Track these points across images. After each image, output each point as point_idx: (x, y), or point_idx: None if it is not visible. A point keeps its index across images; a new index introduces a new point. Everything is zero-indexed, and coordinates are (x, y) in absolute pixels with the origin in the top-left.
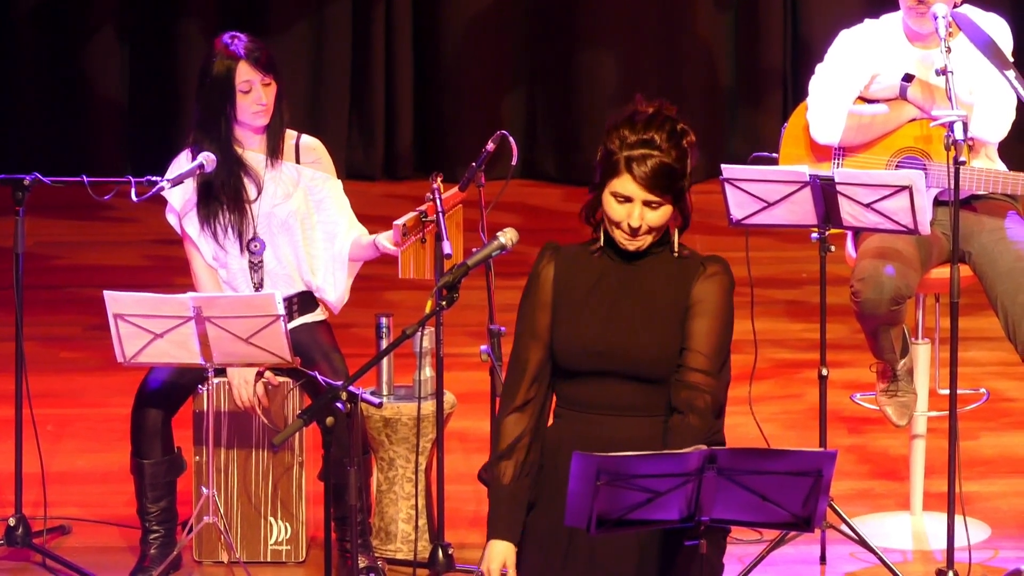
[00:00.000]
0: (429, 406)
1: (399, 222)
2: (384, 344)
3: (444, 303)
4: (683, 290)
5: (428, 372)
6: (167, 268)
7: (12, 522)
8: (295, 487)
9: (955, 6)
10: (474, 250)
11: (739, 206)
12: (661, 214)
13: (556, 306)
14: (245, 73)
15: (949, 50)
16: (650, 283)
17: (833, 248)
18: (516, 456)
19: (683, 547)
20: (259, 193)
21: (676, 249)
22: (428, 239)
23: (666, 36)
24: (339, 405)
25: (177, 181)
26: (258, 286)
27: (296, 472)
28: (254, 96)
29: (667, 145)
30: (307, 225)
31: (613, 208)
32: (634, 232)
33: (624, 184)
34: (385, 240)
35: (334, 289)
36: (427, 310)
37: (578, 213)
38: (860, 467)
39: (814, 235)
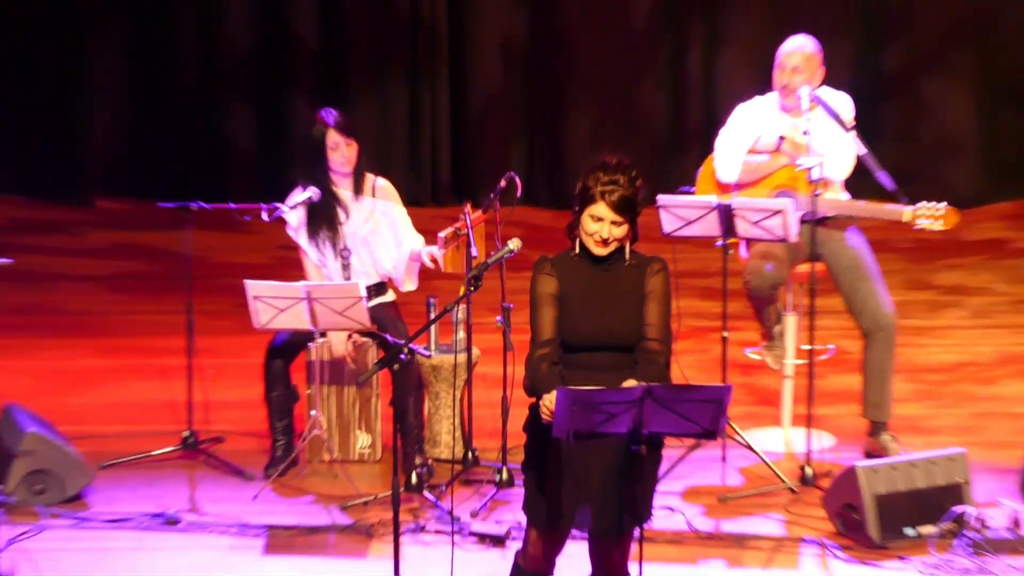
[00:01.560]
0: (462, 357)
1: (442, 234)
2: (432, 316)
3: (472, 288)
4: (639, 283)
5: (461, 334)
6: (287, 265)
7: (186, 434)
8: (373, 410)
9: (815, 88)
10: (492, 253)
11: (669, 223)
12: (623, 230)
13: (561, 302)
14: (334, 137)
15: (809, 119)
16: (614, 280)
17: (731, 251)
18: (545, 364)
19: (630, 455)
20: (347, 218)
21: (629, 258)
22: (461, 246)
23: (622, 108)
24: (402, 356)
25: (293, 207)
26: (347, 279)
27: (374, 400)
28: (340, 153)
29: (627, 183)
30: (379, 239)
31: (590, 225)
32: (604, 242)
33: (598, 208)
34: (425, 255)
35: (395, 274)
36: (460, 293)
37: (564, 229)
38: (748, 397)
39: (719, 243)
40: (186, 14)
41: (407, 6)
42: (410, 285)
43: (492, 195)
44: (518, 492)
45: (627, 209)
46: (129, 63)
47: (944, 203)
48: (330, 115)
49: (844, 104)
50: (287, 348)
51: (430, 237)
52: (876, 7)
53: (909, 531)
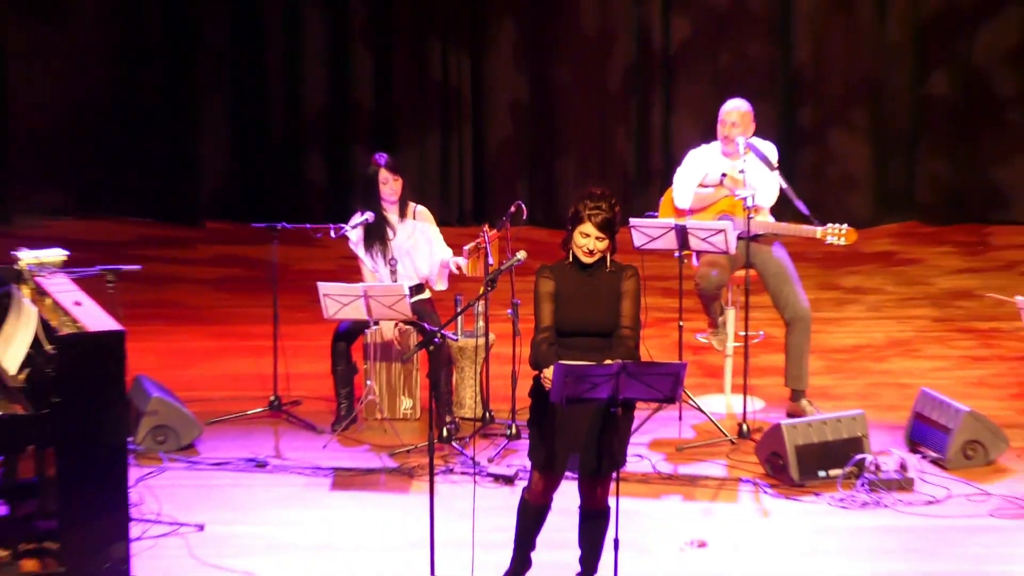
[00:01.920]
0: (481, 340)
1: (466, 248)
2: (458, 309)
3: (489, 288)
4: (616, 285)
5: (481, 323)
6: (348, 271)
7: (272, 398)
8: (414, 381)
9: (748, 138)
10: (504, 262)
11: (639, 239)
12: (605, 244)
13: (557, 299)
14: (384, 174)
15: (744, 161)
16: (598, 283)
17: (686, 261)
18: (547, 345)
19: (610, 415)
20: (394, 235)
21: (608, 265)
22: (480, 256)
23: (601, 152)
24: (436, 340)
25: (354, 227)
26: (394, 281)
27: (414, 373)
28: (389, 186)
29: (608, 209)
30: (418, 251)
31: (579, 240)
32: (591, 253)
33: (586, 227)
34: (452, 263)
35: (430, 277)
36: (480, 292)
37: (560, 243)
38: (698, 371)
39: (676, 254)
40: (275, 80)
41: (440, 76)
42: (441, 286)
43: (504, 218)
44: (524, 443)
45: (608, 228)
46: (232, 116)
47: (846, 224)
48: (382, 158)
49: (770, 150)
50: (349, 333)
51: (456, 249)
52: (793, 76)
53: (821, 473)
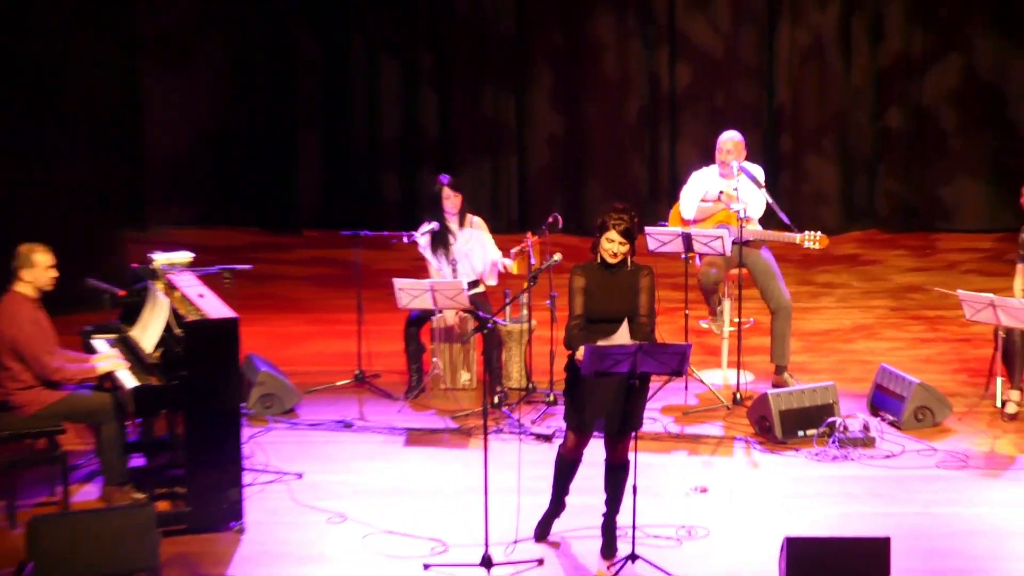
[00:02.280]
0: (525, 325)
1: (513, 251)
2: (507, 300)
3: (531, 284)
4: (635, 281)
5: (525, 312)
6: (418, 270)
7: (357, 372)
8: (471, 358)
9: (740, 162)
10: (543, 263)
11: (652, 244)
12: (626, 248)
13: (587, 292)
14: (447, 192)
15: (737, 181)
16: (620, 279)
17: (690, 261)
18: (578, 329)
19: (630, 385)
20: (455, 240)
21: (629, 265)
22: (524, 258)
23: (620, 174)
24: (489, 326)
25: (422, 235)
26: (455, 278)
27: (472, 351)
28: (451, 201)
29: (629, 220)
30: (474, 253)
31: (605, 245)
32: (614, 255)
33: (611, 235)
34: (501, 264)
35: (484, 275)
36: (524, 286)
37: (589, 247)
38: (700, 350)
39: (683, 256)
40: (359, 116)
41: (491, 113)
42: (492, 281)
43: (543, 227)
44: (560, 408)
45: (628, 235)
46: (324, 145)
47: (819, 232)
48: (445, 178)
49: (758, 171)
50: (419, 320)
51: (505, 252)
52: (775, 113)
53: (800, 433)
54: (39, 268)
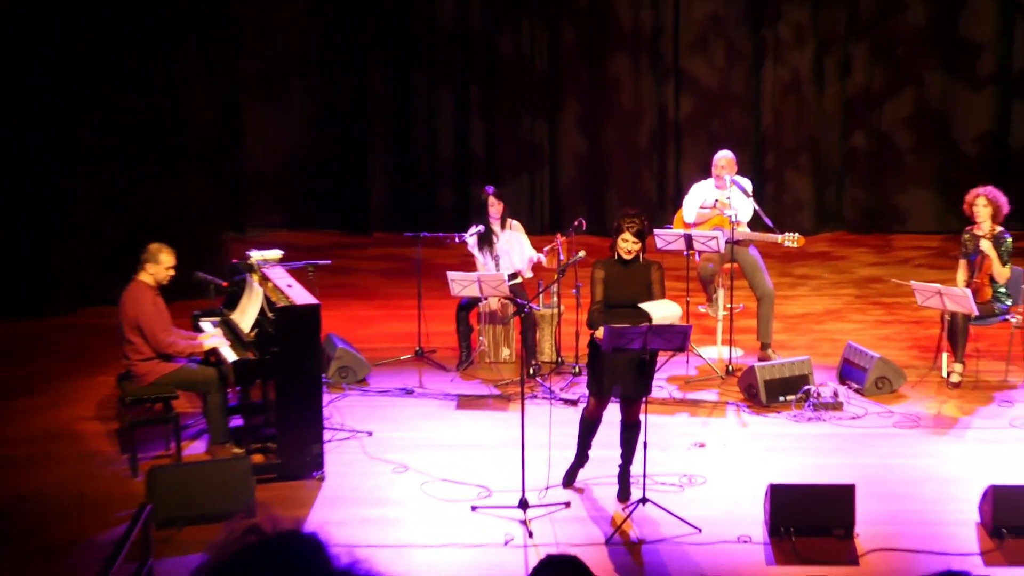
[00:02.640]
0: (555, 310)
1: (545, 249)
2: (540, 289)
3: (560, 276)
4: (647, 274)
5: (555, 299)
6: (467, 264)
7: (417, 348)
8: (511, 337)
9: (732, 175)
10: (570, 259)
11: (660, 243)
12: (638, 246)
13: (606, 282)
14: (492, 200)
15: (730, 191)
16: (634, 272)
17: (691, 257)
18: (598, 313)
19: (641, 360)
20: (498, 240)
21: (641, 260)
22: (555, 255)
23: (633, 186)
24: (526, 311)
25: (471, 236)
26: (498, 271)
27: (511, 331)
28: (494, 208)
29: (640, 223)
30: (514, 251)
31: (620, 244)
32: (629, 253)
33: (626, 235)
34: (535, 259)
35: (522, 269)
36: (554, 278)
37: (608, 246)
38: (699, 330)
39: (685, 253)
40: (419, 138)
41: (528, 136)
42: (528, 274)
43: (570, 229)
44: (583, 378)
45: (640, 235)
46: (391, 162)
47: (797, 233)
48: (490, 188)
49: (747, 184)
50: (468, 305)
51: (539, 249)
52: (761, 135)
53: (781, 398)
54: (162, 265)
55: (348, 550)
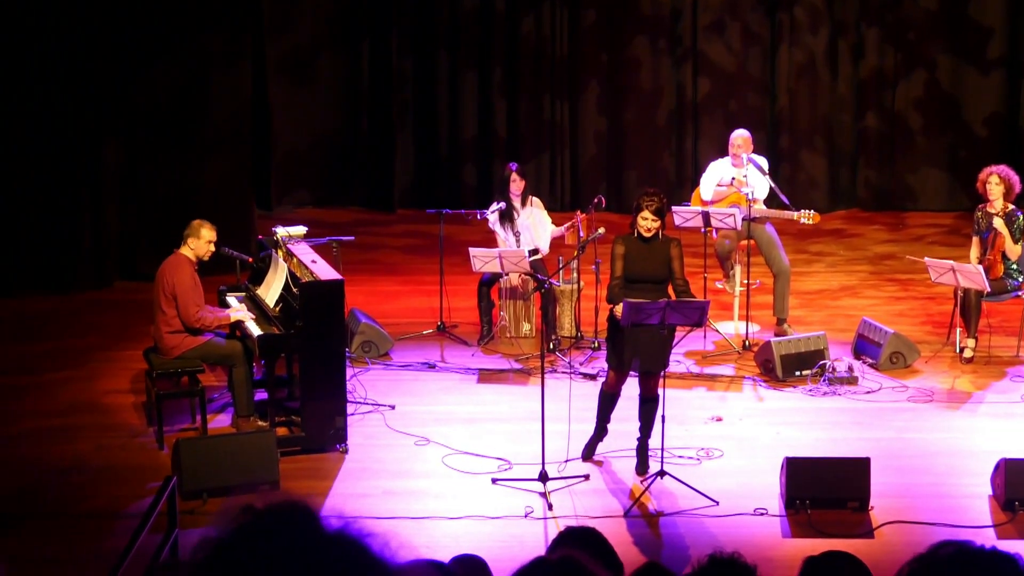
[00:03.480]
0: (575, 285)
1: (565, 225)
2: (560, 265)
3: (579, 252)
4: (666, 250)
5: (575, 275)
6: (489, 241)
7: (439, 323)
8: (531, 311)
9: (748, 154)
10: (590, 235)
11: (678, 220)
12: (658, 224)
13: (626, 258)
14: (514, 177)
15: (747, 169)
16: (654, 249)
17: (709, 234)
18: (618, 288)
19: (660, 333)
20: (519, 217)
21: (660, 237)
22: (575, 231)
23: (652, 165)
24: (546, 286)
25: (492, 212)
26: (519, 247)
27: (531, 306)
28: (516, 184)
29: (659, 201)
30: (534, 227)
31: (640, 222)
32: (648, 231)
33: (645, 214)
34: (558, 232)
35: (541, 245)
36: (574, 254)
37: (628, 224)
38: (717, 305)
39: (702, 230)
40: (443, 118)
41: (549, 116)
42: (546, 251)
43: (590, 207)
44: (603, 352)
45: (659, 213)
46: (415, 142)
47: (813, 211)
48: (514, 165)
49: (763, 162)
50: (489, 280)
51: (559, 226)
52: (776, 115)
53: (797, 373)
54: (203, 240)
55: (339, 515)
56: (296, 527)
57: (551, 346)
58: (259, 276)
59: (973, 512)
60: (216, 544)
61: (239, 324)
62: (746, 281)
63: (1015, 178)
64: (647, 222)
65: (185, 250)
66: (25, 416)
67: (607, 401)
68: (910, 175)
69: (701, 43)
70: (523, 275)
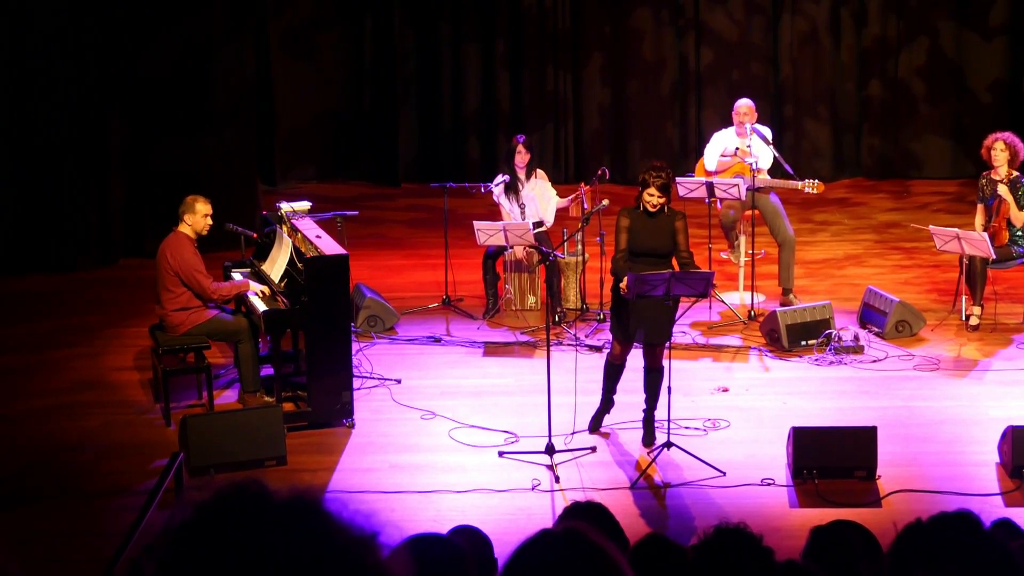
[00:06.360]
0: (580, 258)
1: (570, 197)
2: (564, 237)
3: (584, 224)
4: (671, 224)
5: (579, 247)
6: (493, 214)
7: (444, 297)
8: (536, 284)
9: (752, 123)
10: (594, 207)
11: (682, 191)
12: (663, 199)
13: (631, 231)
14: (520, 148)
15: (750, 139)
16: (659, 222)
17: (713, 204)
18: (623, 261)
19: (664, 305)
20: (523, 188)
21: (665, 210)
22: (579, 203)
23: (657, 137)
24: (550, 258)
25: (496, 185)
26: (523, 219)
27: (536, 279)
28: (521, 156)
29: (664, 175)
30: (539, 200)
31: (646, 198)
32: (654, 206)
33: (651, 190)
34: (563, 204)
35: (546, 218)
36: (579, 226)
37: (633, 198)
38: (722, 276)
39: (707, 200)
40: (447, 91)
41: (552, 87)
42: (551, 223)
43: (594, 178)
44: (608, 324)
45: (665, 189)
46: (419, 115)
47: (817, 180)
48: (521, 137)
49: (767, 132)
50: (494, 254)
51: (563, 198)
52: (780, 85)
53: (803, 342)
54: (199, 215)
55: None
56: (245, 505)
57: (556, 319)
58: (264, 252)
59: (980, 480)
60: (171, 541)
61: (244, 300)
62: (751, 251)
63: (1020, 145)
64: (653, 199)
65: (183, 227)
66: (32, 394)
67: (613, 373)
68: (914, 143)
69: (703, 13)
70: (528, 248)
